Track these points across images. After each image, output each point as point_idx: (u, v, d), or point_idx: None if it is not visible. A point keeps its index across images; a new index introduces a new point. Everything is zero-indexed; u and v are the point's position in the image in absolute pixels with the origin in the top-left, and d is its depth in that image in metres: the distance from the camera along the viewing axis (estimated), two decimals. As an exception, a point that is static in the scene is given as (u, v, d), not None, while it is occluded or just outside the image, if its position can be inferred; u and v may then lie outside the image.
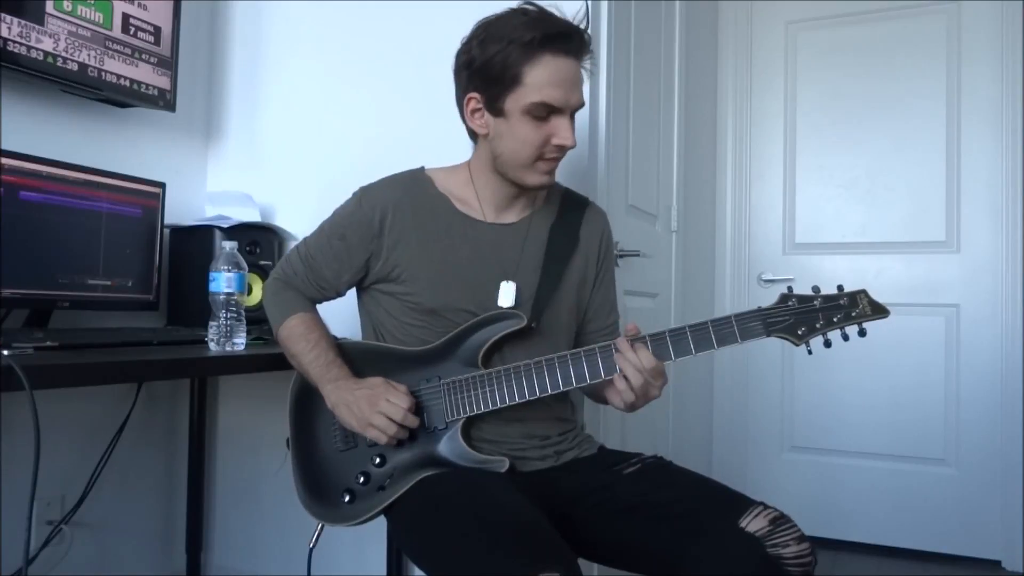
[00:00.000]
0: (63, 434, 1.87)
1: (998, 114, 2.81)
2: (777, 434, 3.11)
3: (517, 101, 1.24)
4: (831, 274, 3.01)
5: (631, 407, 1.24)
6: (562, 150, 1.28)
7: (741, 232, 3.21)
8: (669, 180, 2.50)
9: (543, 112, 1.24)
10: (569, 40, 1.24)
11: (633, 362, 1.18)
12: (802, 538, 1.11)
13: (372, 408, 1.24)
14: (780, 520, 1.13)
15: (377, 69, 2.06)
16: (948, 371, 2.85)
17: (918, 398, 2.88)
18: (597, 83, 1.88)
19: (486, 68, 1.25)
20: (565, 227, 1.42)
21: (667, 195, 2.49)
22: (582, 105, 1.29)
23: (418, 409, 1.28)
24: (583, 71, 1.29)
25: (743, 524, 1.11)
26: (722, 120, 3.24)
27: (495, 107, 1.27)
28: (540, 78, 1.22)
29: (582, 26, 1.28)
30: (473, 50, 1.27)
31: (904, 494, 2.88)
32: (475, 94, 1.29)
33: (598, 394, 1.41)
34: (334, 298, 1.45)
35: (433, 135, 1.86)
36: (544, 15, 1.25)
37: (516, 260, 1.37)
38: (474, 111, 1.31)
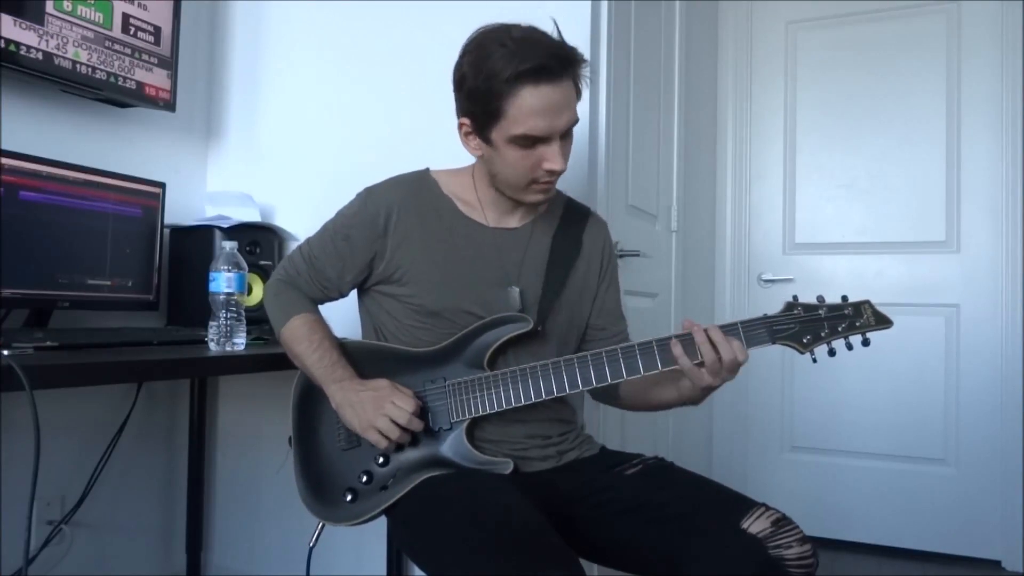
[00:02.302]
0: (63, 434, 1.87)
1: (998, 114, 2.81)
2: (777, 434, 3.11)
3: (502, 132, 1.23)
4: (831, 274, 3.02)
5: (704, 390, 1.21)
6: (554, 174, 1.27)
7: (741, 232, 3.21)
8: (669, 180, 2.50)
9: (529, 141, 1.23)
10: (547, 70, 1.19)
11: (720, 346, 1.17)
12: (804, 540, 1.11)
13: (377, 411, 1.24)
14: (782, 522, 1.12)
15: (377, 69, 2.06)
16: (948, 371, 2.86)
17: (918, 398, 2.88)
18: (597, 83, 1.88)
19: (471, 98, 1.24)
20: (568, 235, 1.42)
21: (667, 195, 2.49)
22: (574, 123, 1.26)
23: (422, 413, 1.28)
24: (576, 86, 1.25)
25: (745, 525, 1.11)
26: (722, 120, 3.24)
27: (483, 135, 1.27)
28: (521, 111, 1.20)
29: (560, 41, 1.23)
30: (464, 69, 1.25)
31: (904, 494, 2.88)
32: (465, 119, 1.29)
33: (612, 395, 1.42)
34: (337, 298, 1.44)
35: (433, 135, 1.86)
36: (525, 44, 1.19)
37: (519, 264, 1.37)
38: (467, 134, 1.31)
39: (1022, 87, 2.76)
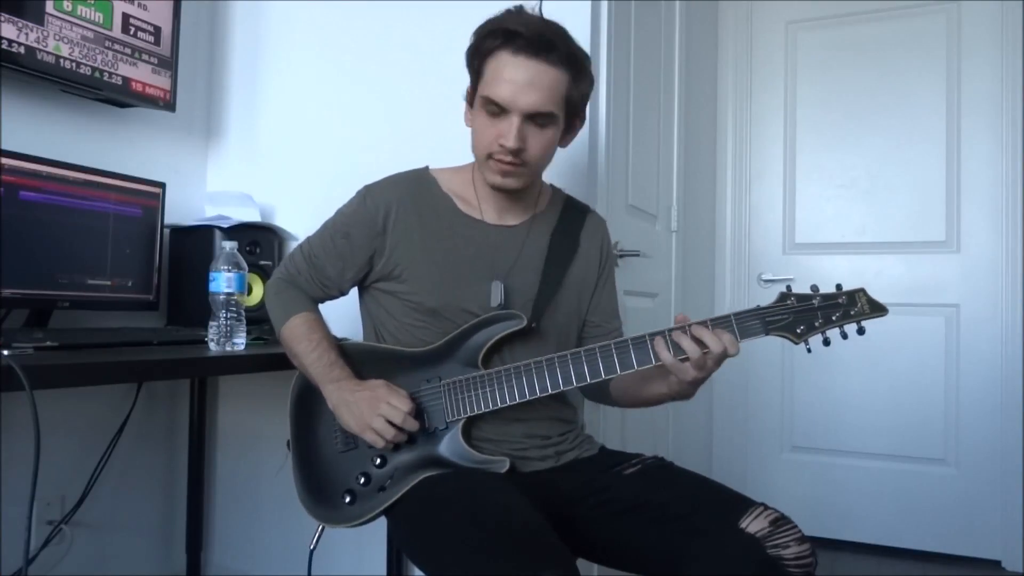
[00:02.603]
0: (63, 434, 1.87)
1: (998, 114, 2.81)
2: (777, 434, 3.11)
3: (479, 92, 1.28)
4: (831, 274, 2.99)
5: (692, 385, 1.20)
6: (507, 152, 1.26)
7: (741, 232, 3.21)
8: (669, 180, 2.50)
9: (495, 108, 1.25)
10: (522, 40, 1.22)
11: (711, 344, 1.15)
12: (803, 539, 1.11)
13: (372, 411, 1.24)
14: (780, 521, 1.13)
15: (376, 68, 2.06)
16: (948, 371, 2.85)
17: (918, 398, 2.88)
18: (597, 83, 1.87)
19: (467, 58, 1.31)
20: (565, 232, 1.42)
21: (667, 195, 2.49)
22: (542, 111, 1.24)
23: (418, 413, 1.28)
24: (569, 82, 1.26)
25: (743, 525, 1.11)
26: (722, 120, 3.23)
27: (472, 97, 1.32)
28: (493, 73, 1.25)
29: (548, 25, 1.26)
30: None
31: (904, 494, 2.88)
32: (469, 87, 1.34)
33: (603, 392, 1.41)
34: (337, 297, 1.45)
35: (433, 135, 1.86)
36: (515, 16, 1.27)
37: (512, 262, 1.37)
38: (468, 101, 1.35)
39: (1022, 87, 2.76)
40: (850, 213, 3.03)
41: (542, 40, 1.23)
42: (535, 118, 1.25)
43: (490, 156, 1.29)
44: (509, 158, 1.27)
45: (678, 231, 2.55)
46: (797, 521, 1.14)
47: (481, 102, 1.27)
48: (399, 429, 1.24)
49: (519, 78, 1.23)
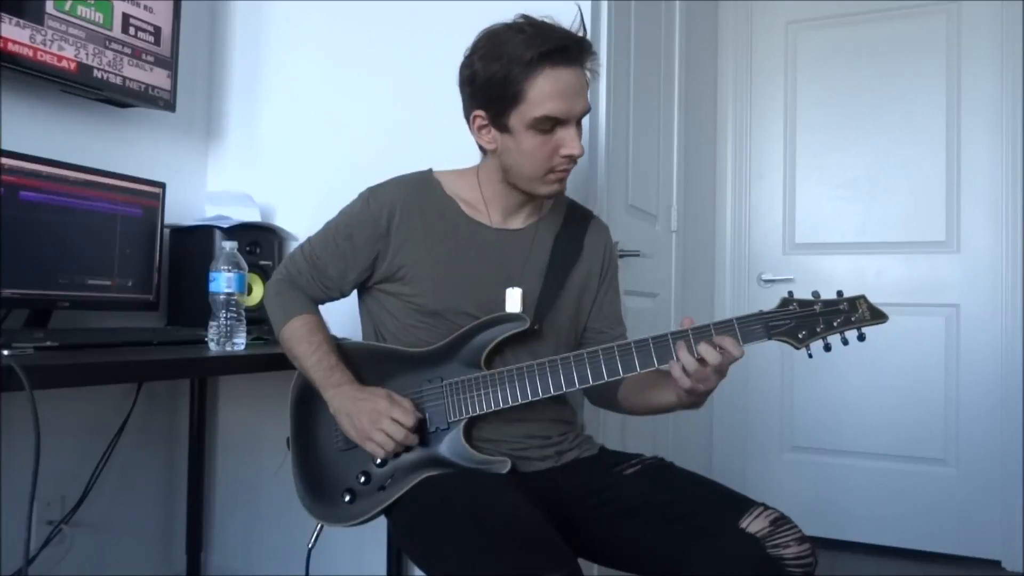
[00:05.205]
0: (63, 434, 1.87)
1: (998, 114, 2.81)
2: (777, 434, 3.11)
3: (521, 116, 1.25)
4: (831, 274, 3.02)
5: (692, 396, 1.21)
6: (571, 160, 1.28)
7: (741, 232, 3.21)
8: (669, 180, 2.50)
9: (548, 125, 1.25)
10: (567, 52, 1.23)
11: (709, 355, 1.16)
12: (803, 539, 1.12)
13: (374, 425, 1.24)
14: (781, 521, 1.13)
15: (377, 69, 2.06)
16: (948, 371, 2.86)
17: (918, 398, 2.88)
18: (597, 83, 1.88)
19: (488, 86, 1.26)
20: (569, 237, 1.43)
21: (667, 195, 2.49)
22: (587, 111, 1.28)
23: (420, 426, 1.27)
24: (587, 75, 1.28)
25: (743, 525, 1.12)
26: (722, 120, 3.24)
27: (500, 123, 1.28)
28: (542, 93, 1.22)
29: (579, 32, 1.27)
30: (475, 65, 1.27)
31: (904, 494, 2.88)
32: (480, 111, 1.29)
33: (610, 399, 1.41)
34: (338, 298, 1.44)
35: (434, 135, 1.86)
36: (542, 29, 1.24)
37: (521, 266, 1.37)
38: (481, 127, 1.31)
39: (1022, 87, 2.76)
40: (850, 213, 3.03)
41: (576, 44, 1.24)
42: (579, 120, 1.28)
43: (551, 170, 1.29)
44: (572, 165, 1.29)
45: (678, 231, 2.55)
46: (797, 521, 1.15)
47: (530, 123, 1.24)
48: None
49: (568, 88, 1.23)
